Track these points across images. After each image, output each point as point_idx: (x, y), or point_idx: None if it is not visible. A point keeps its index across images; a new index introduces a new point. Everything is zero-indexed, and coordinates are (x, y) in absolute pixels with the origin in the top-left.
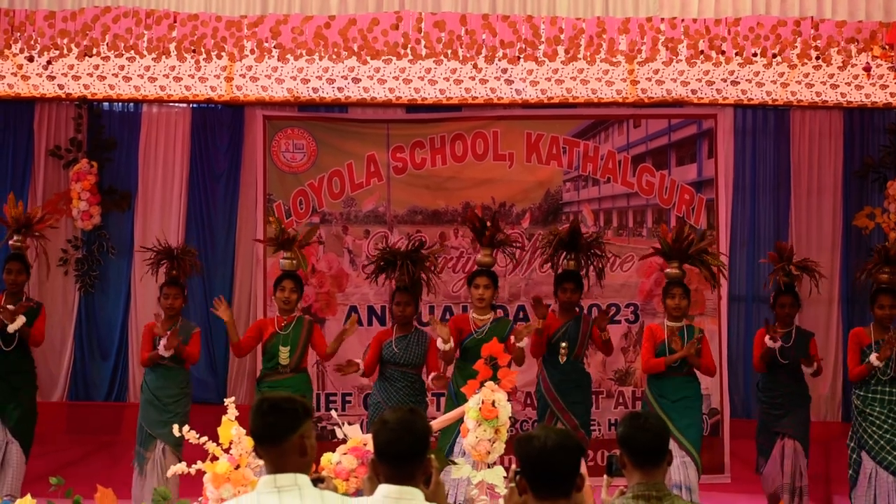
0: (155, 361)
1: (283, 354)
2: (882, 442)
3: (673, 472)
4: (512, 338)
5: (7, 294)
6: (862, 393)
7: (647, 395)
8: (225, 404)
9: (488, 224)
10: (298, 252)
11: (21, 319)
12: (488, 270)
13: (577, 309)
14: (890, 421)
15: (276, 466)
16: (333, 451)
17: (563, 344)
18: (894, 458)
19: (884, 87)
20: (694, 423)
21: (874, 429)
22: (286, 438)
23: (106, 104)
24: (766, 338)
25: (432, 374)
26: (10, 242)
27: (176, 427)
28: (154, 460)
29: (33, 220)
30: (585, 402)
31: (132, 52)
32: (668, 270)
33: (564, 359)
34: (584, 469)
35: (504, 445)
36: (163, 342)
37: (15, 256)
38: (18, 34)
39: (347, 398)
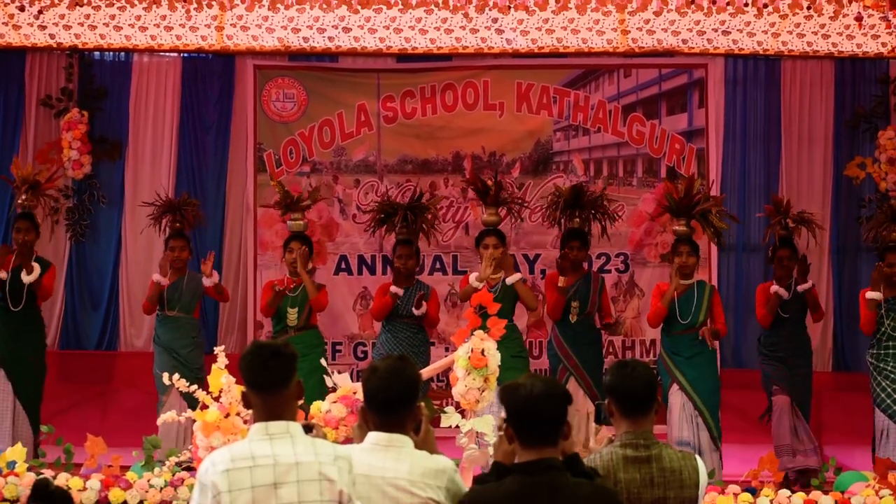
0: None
1: (292, 316)
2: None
3: (683, 429)
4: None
5: (17, 253)
6: (875, 351)
7: (661, 352)
8: (214, 353)
9: (490, 184)
10: (304, 213)
11: (37, 270)
12: (496, 229)
13: (585, 266)
14: None
15: (271, 413)
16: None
17: (574, 303)
18: None
19: (875, 37)
20: (707, 379)
21: (888, 383)
22: (287, 384)
23: (97, 54)
24: (773, 287)
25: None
26: (20, 201)
27: (165, 375)
28: (169, 406)
29: (42, 180)
30: (598, 360)
31: (123, 1)
32: (675, 227)
33: (576, 318)
34: (572, 418)
35: (494, 394)
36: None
37: (24, 215)
38: None
39: (338, 347)
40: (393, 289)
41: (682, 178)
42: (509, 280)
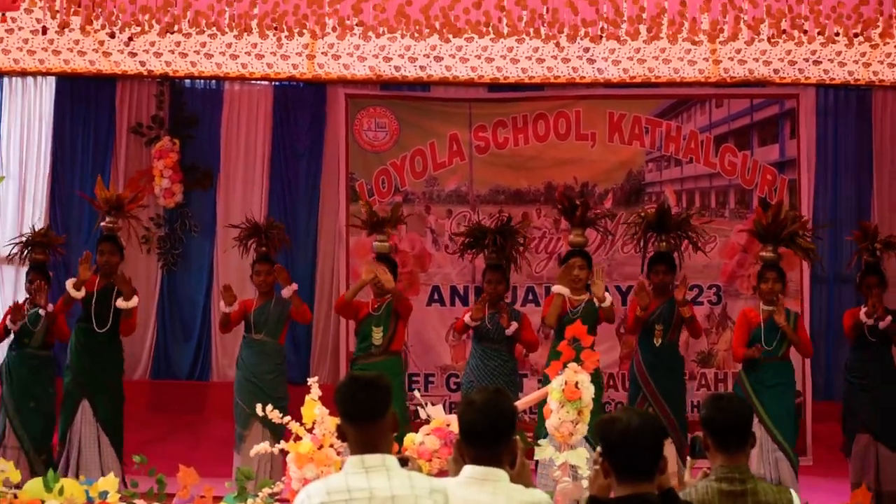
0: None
1: (377, 335)
2: None
3: (763, 465)
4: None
5: (101, 275)
6: None
7: (742, 379)
8: (308, 384)
9: (577, 203)
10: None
11: (135, 299)
12: (582, 250)
13: (671, 289)
14: None
15: (366, 445)
16: (416, 431)
17: (658, 326)
18: None
19: None
20: (788, 413)
21: None
22: (382, 415)
23: (188, 81)
24: (862, 311)
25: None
26: (103, 224)
27: (259, 406)
28: (251, 439)
29: (125, 201)
30: (678, 388)
31: (213, 28)
32: (762, 254)
33: (660, 341)
34: (667, 451)
35: (587, 427)
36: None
37: (108, 238)
38: (99, 10)
39: (430, 378)
40: (466, 318)
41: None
42: (605, 304)
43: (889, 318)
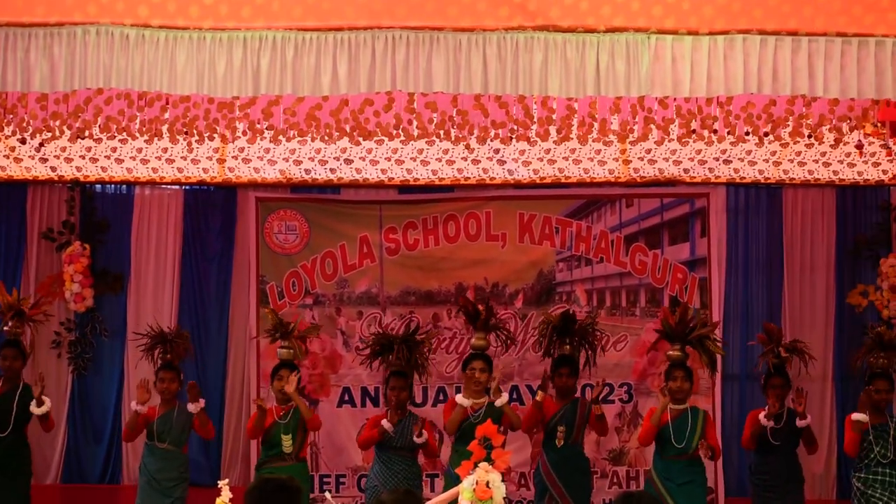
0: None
1: (287, 443)
2: None
3: None
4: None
5: (4, 380)
6: (863, 475)
7: (653, 477)
8: (219, 486)
9: (481, 308)
10: (295, 342)
11: (48, 403)
12: (483, 354)
13: (574, 392)
14: (893, 503)
15: None
16: None
17: (560, 427)
18: None
19: (876, 164)
20: None
21: None
22: None
23: (98, 186)
24: (761, 415)
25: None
26: (6, 329)
27: None
28: None
29: (27, 306)
30: (585, 486)
31: (124, 133)
32: (670, 352)
33: (561, 442)
34: None
35: None
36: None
37: (10, 343)
38: (10, 116)
39: (341, 479)
40: (384, 423)
41: (680, 305)
42: (498, 402)
43: (809, 417)
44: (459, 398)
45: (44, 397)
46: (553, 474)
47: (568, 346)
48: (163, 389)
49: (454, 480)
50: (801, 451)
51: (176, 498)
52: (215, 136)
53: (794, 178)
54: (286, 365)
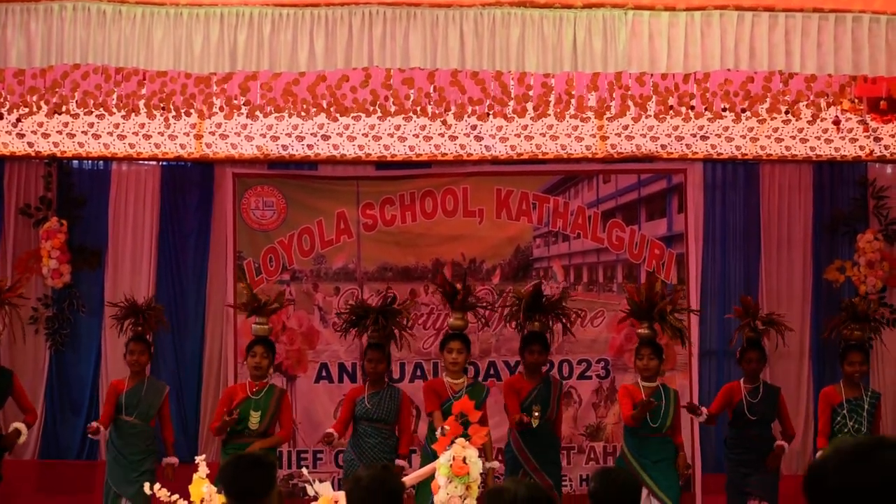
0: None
1: (254, 419)
2: None
3: None
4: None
5: None
6: None
7: (626, 453)
8: (195, 462)
9: (459, 287)
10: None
11: (24, 430)
12: (461, 334)
13: (544, 369)
14: None
15: None
16: None
17: (536, 407)
18: None
19: (853, 140)
20: (675, 485)
21: None
22: (267, 494)
23: (75, 162)
24: (699, 417)
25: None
26: None
27: (147, 485)
28: None
29: (3, 289)
30: (557, 462)
31: (101, 109)
32: (638, 330)
33: (538, 422)
34: None
35: (475, 502)
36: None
37: None
38: None
39: (318, 455)
40: (329, 430)
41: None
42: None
43: (786, 446)
44: (438, 432)
45: (18, 425)
46: (526, 450)
47: (538, 323)
48: (132, 361)
49: (431, 456)
50: (775, 426)
51: (144, 471)
52: (192, 111)
53: (772, 154)
54: (261, 341)
